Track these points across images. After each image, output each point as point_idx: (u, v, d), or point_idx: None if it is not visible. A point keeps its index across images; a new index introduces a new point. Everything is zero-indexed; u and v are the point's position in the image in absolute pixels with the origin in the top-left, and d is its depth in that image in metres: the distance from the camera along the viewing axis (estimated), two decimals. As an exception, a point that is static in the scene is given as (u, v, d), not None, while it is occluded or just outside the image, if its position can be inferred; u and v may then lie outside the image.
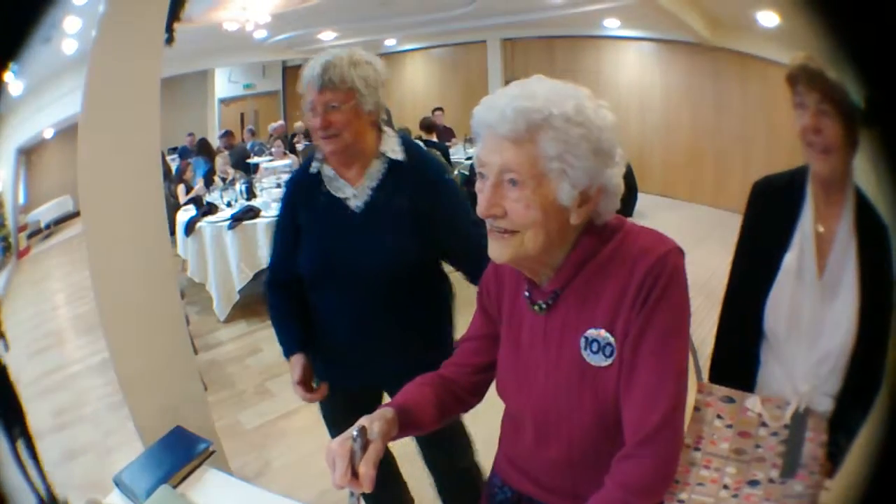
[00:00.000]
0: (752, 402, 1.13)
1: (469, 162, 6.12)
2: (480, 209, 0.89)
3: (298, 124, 9.40)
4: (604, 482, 0.89)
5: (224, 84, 11.09)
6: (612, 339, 0.90)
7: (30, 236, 1.89)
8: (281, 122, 9.55)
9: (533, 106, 0.83)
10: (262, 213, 4.53)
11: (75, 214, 1.75)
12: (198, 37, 7.61)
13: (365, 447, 0.88)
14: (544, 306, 0.97)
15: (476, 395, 1.14)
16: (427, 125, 6.40)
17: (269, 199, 4.78)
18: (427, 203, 1.45)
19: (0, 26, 0.91)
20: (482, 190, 0.89)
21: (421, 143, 4.44)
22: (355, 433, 0.88)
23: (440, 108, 8.14)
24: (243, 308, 4.49)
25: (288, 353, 1.54)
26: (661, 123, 7.39)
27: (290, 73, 11.71)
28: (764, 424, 1.10)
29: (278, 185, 5.36)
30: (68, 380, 2.24)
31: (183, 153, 8.03)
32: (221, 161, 6.01)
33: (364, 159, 1.48)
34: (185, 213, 4.79)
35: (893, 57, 0.64)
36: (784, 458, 1.05)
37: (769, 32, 4.71)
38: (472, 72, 9.90)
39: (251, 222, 4.44)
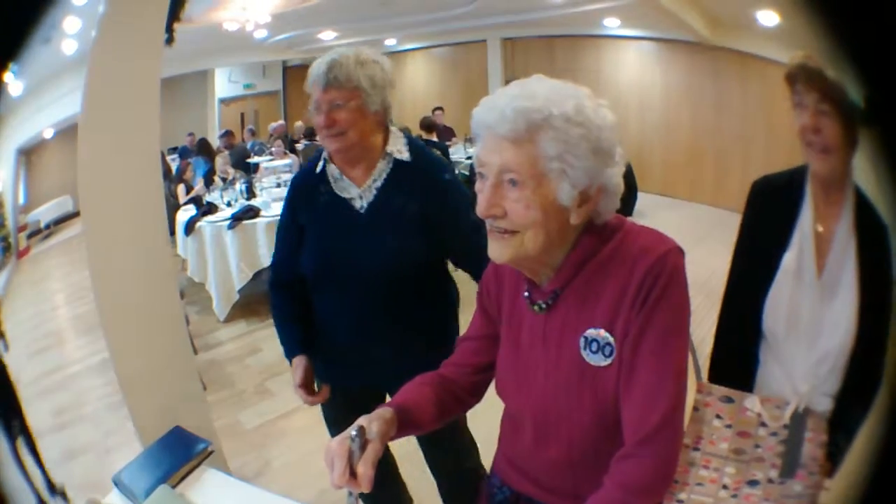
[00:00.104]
0: (752, 402, 1.13)
1: (469, 161, 6.12)
2: (480, 209, 0.88)
3: (298, 124, 9.42)
4: (603, 482, 0.89)
5: (224, 84, 11.09)
6: (611, 339, 0.90)
7: (29, 236, 1.89)
8: (281, 121, 9.56)
9: (533, 106, 0.83)
10: (262, 213, 4.53)
11: (75, 214, 1.75)
12: (198, 37, 7.61)
13: (363, 447, 0.88)
14: (544, 306, 0.97)
15: (475, 396, 1.14)
16: (427, 125, 6.40)
17: (269, 199, 4.78)
18: (432, 204, 1.44)
19: (0, 26, 0.91)
20: (482, 190, 0.89)
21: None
22: (353, 433, 0.88)
23: (440, 108, 8.14)
24: (243, 308, 4.49)
25: (290, 355, 1.54)
26: (661, 123, 7.39)
27: (290, 72, 11.71)
28: (763, 424, 1.10)
29: (278, 185, 5.37)
30: (68, 380, 2.24)
31: (183, 153, 8.03)
32: (221, 161, 6.01)
33: (369, 159, 1.46)
34: (185, 213, 4.78)
35: (893, 56, 0.64)
36: (783, 458, 1.05)
37: (769, 32, 4.70)
38: (473, 71, 9.90)
39: (251, 222, 4.44)
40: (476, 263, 1.18)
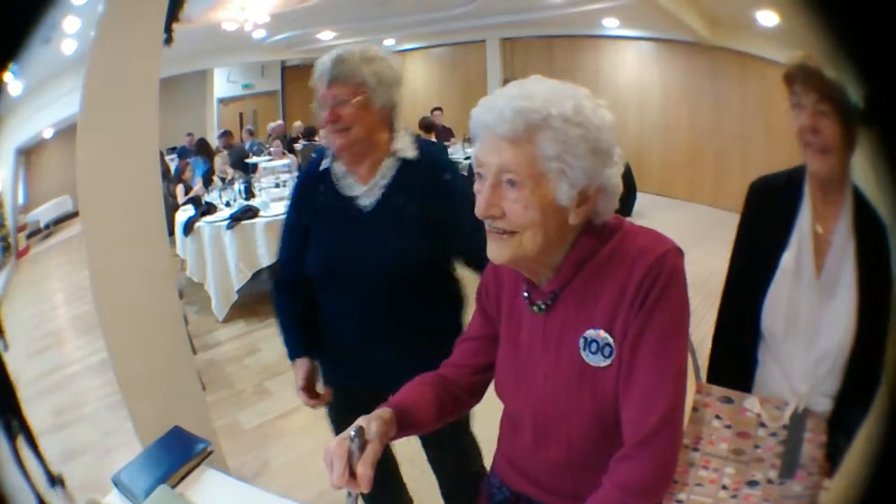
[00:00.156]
0: (751, 403, 1.13)
1: (468, 162, 6.11)
2: (479, 210, 0.88)
3: (297, 124, 9.41)
4: (602, 482, 0.89)
5: (223, 84, 11.09)
6: (611, 340, 0.90)
7: (29, 236, 1.90)
8: (280, 121, 9.55)
9: (531, 106, 0.83)
10: (261, 213, 4.53)
11: (74, 214, 1.75)
12: (197, 37, 7.61)
13: (363, 447, 0.88)
14: (543, 307, 0.97)
15: (475, 396, 1.14)
16: (426, 125, 6.41)
17: (268, 199, 4.78)
18: (437, 203, 1.43)
19: (0, 26, 0.91)
20: (481, 190, 0.88)
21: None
22: (353, 433, 0.88)
23: (439, 108, 8.14)
24: (242, 308, 4.49)
25: (293, 357, 1.53)
26: (660, 123, 7.39)
27: (289, 72, 11.72)
28: (762, 425, 1.10)
29: (277, 185, 5.37)
30: (67, 380, 2.24)
31: (182, 153, 8.02)
32: (220, 161, 6.01)
33: (375, 157, 1.44)
34: (184, 213, 4.79)
35: (893, 56, 0.64)
36: (783, 459, 1.05)
37: (768, 32, 4.71)
38: (472, 71, 9.90)
39: (250, 222, 4.43)
40: (479, 264, 1.17)
